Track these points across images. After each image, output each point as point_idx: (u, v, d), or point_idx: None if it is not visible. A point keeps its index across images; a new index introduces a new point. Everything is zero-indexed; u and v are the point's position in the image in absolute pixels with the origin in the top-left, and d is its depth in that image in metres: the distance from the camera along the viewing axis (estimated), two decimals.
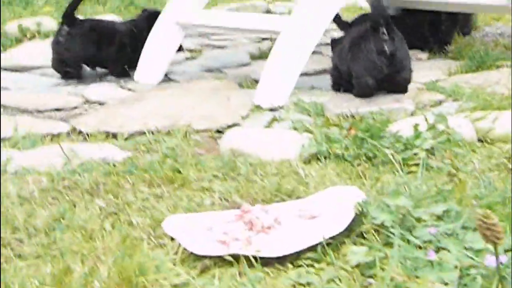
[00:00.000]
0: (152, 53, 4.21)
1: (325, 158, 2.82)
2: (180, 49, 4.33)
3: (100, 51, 4.28)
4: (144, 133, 3.22)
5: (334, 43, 3.85)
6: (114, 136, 3.24)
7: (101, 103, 3.76)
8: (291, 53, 3.60)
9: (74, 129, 3.31)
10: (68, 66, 4.27)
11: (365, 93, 3.49)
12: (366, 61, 3.46)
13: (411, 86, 3.63)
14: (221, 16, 4.16)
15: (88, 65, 4.37)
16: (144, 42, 4.21)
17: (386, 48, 3.45)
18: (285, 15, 3.75)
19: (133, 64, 4.24)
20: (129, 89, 4.03)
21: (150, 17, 4.34)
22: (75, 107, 3.70)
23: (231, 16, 4.21)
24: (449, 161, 2.63)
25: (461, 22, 4.81)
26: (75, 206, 2.42)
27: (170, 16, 4.21)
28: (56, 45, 4.28)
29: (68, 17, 4.29)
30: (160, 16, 4.23)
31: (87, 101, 3.81)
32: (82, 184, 2.59)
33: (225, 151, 2.96)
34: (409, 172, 2.65)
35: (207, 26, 4.25)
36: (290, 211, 2.29)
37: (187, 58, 4.76)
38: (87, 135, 3.25)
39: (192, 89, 3.86)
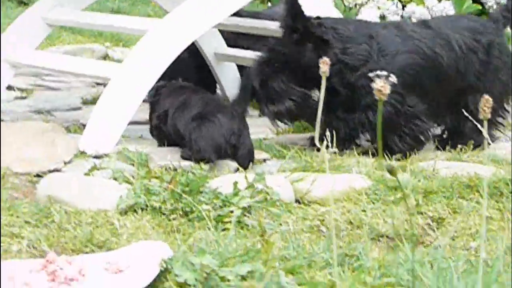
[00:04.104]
0: None
1: (142, 210, 2.80)
2: (10, 87, 4.22)
3: None
4: None
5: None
6: None
7: None
8: (119, 101, 3.57)
9: None
10: None
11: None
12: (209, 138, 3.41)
13: None
14: (52, 58, 4.09)
15: None
16: None
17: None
18: (118, 62, 3.70)
19: None
20: None
21: None
22: None
23: (62, 59, 4.14)
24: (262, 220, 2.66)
25: None
26: None
27: None
28: None
29: None
30: None
31: None
32: None
33: (42, 197, 2.89)
34: (224, 229, 2.66)
35: (36, 66, 4.17)
36: (97, 263, 2.25)
37: (16, 98, 4.64)
38: None
39: (17, 130, 3.74)
